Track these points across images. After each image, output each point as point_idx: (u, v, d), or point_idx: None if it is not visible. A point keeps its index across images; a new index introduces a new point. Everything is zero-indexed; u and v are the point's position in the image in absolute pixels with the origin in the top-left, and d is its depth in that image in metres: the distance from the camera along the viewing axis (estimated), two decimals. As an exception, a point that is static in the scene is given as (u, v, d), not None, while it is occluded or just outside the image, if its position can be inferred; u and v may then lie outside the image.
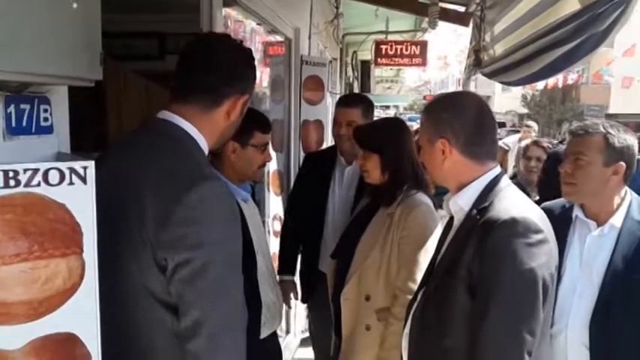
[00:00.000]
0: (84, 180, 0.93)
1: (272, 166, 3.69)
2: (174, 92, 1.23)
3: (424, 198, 1.86)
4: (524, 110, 27.96)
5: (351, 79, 9.10)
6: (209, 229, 1.05)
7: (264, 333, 1.76)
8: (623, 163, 1.60)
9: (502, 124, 27.02)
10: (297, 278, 2.68)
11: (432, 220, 1.83)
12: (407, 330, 1.42)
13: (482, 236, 1.22)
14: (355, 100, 2.51)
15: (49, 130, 1.13)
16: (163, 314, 1.09)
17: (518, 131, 9.15)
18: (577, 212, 1.70)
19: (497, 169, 1.35)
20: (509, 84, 2.75)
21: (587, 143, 1.62)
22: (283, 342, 3.68)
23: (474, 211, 1.29)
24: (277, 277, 2.29)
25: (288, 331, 3.83)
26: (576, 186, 1.64)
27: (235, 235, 1.12)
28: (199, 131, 1.20)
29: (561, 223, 1.71)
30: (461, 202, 1.34)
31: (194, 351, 1.06)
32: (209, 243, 1.05)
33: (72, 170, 0.92)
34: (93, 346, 0.97)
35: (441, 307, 1.30)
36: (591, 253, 1.63)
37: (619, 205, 1.64)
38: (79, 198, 0.93)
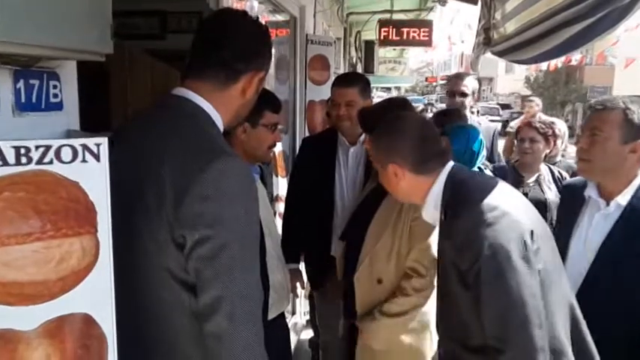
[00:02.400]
0: (97, 157, 0.90)
1: (277, 147, 3.65)
2: (190, 68, 1.20)
3: None
4: (528, 92, 27.75)
5: (354, 59, 9.00)
6: (229, 205, 1.03)
7: (271, 314, 1.75)
8: None
9: (506, 106, 26.88)
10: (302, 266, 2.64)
11: None
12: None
13: (451, 234, 1.31)
14: (352, 79, 2.43)
15: (58, 106, 1.10)
16: (181, 293, 1.08)
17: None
18: (590, 192, 1.65)
19: (448, 166, 1.42)
20: (521, 62, 2.68)
21: (605, 118, 1.56)
22: (289, 323, 3.70)
23: (443, 215, 1.38)
24: None
25: (293, 313, 3.83)
26: (591, 162, 1.58)
27: (254, 211, 1.10)
28: (215, 108, 1.18)
29: (577, 202, 1.69)
30: (431, 212, 1.43)
31: (214, 330, 1.04)
32: (228, 219, 1.02)
33: (85, 147, 0.89)
34: (108, 326, 0.95)
35: (451, 309, 1.37)
36: (594, 232, 1.60)
37: (630, 183, 1.58)
38: (93, 176, 0.90)
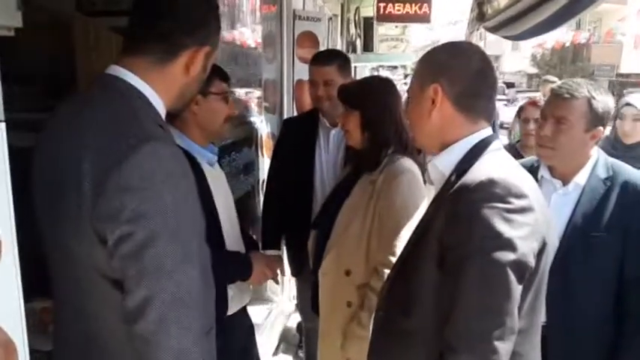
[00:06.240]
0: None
1: (264, 128, 3.54)
2: (126, 43, 1.08)
3: (410, 164, 1.71)
4: (534, 70, 27.33)
5: (353, 37, 8.79)
6: (153, 195, 0.92)
7: (232, 308, 1.65)
8: (601, 128, 1.58)
9: (511, 85, 26.52)
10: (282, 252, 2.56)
11: (417, 188, 1.69)
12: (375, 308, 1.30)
13: (455, 201, 1.04)
14: (330, 57, 2.29)
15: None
16: (112, 292, 0.98)
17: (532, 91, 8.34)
18: (543, 173, 1.68)
19: (489, 131, 1.18)
20: (512, 38, 2.57)
21: (571, 108, 1.57)
22: (277, 307, 3.64)
23: (454, 176, 1.12)
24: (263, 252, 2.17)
25: (280, 296, 3.77)
26: (555, 150, 1.61)
27: (185, 200, 0.98)
28: (152, 87, 1.07)
29: None
30: (441, 166, 1.17)
31: (141, 334, 0.94)
32: (152, 213, 0.92)
33: (-23, 133, 0.78)
34: (17, 332, 0.86)
35: (409, 284, 1.14)
36: (555, 212, 1.57)
37: (584, 164, 1.63)
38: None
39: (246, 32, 3.23)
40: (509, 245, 0.97)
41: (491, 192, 1.00)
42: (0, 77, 1.07)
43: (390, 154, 1.72)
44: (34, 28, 1.35)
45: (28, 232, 1.00)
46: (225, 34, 2.76)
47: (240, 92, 3.11)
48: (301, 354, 3.16)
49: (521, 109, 2.97)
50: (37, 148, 1.06)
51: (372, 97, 1.75)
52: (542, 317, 1.18)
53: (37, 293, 1.46)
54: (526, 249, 0.99)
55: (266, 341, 3.19)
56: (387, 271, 1.57)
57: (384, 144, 1.73)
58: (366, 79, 1.96)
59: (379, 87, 1.80)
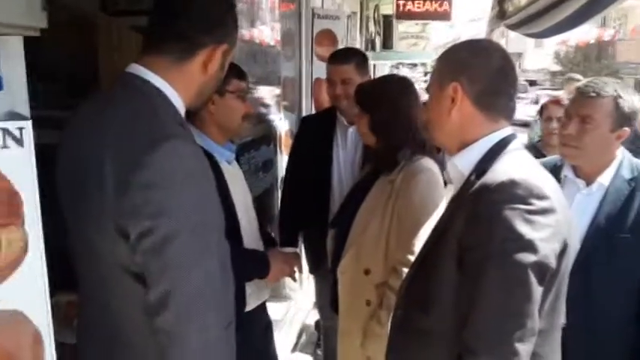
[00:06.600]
0: (20, 142, 0.82)
1: (283, 126, 3.55)
2: (145, 42, 1.11)
3: (429, 164, 1.69)
4: (557, 67, 26.84)
5: (372, 34, 8.76)
6: (173, 193, 0.94)
7: (250, 305, 1.67)
8: (627, 129, 1.55)
9: (533, 82, 26.09)
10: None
11: (436, 188, 1.67)
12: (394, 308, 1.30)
13: (475, 202, 1.03)
14: (347, 55, 2.29)
15: (-3, 86, 1.01)
16: (134, 286, 1.00)
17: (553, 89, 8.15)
18: (567, 172, 1.66)
19: (509, 130, 1.16)
20: (534, 35, 2.53)
21: (597, 107, 1.54)
22: (295, 304, 3.65)
23: (473, 176, 1.11)
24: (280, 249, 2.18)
25: (299, 293, 3.78)
26: (579, 150, 1.58)
27: (206, 197, 1.01)
28: (172, 86, 1.08)
29: None
30: (460, 165, 1.15)
31: (163, 327, 0.96)
32: (173, 209, 0.94)
33: (5, 131, 0.81)
34: (43, 324, 0.89)
35: (428, 283, 1.14)
36: (577, 212, 1.57)
37: (609, 164, 1.61)
38: (16, 162, 0.83)
39: (265, 30, 3.25)
40: (530, 247, 0.96)
41: (512, 193, 0.99)
42: (25, 78, 1.11)
43: (408, 154, 1.71)
44: (59, 28, 1.38)
45: (53, 227, 1.04)
46: (245, 32, 2.78)
47: (258, 90, 3.12)
48: (320, 352, 3.17)
49: (543, 108, 2.92)
50: (60, 146, 1.08)
51: (382, 101, 1.73)
52: (562, 318, 1.17)
53: (63, 287, 1.50)
54: (547, 250, 0.98)
55: (284, 338, 3.21)
56: (405, 270, 1.57)
57: (398, 146, 1.72)
58: (379, 80, 1.94)
59: (392, 89, 1.77)
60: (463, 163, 1.15)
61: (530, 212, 0.98)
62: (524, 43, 30.73)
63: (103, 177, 0.94)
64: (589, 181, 1.62)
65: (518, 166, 1.07)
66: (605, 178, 1.60)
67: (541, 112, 2.93)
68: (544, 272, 0.98)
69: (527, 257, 0.96)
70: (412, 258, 1.58)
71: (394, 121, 1.71)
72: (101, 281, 1.03)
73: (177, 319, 0.95)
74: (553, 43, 24.50)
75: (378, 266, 1.69)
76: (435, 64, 1.24)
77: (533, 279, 0.97)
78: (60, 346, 1.12)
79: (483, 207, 1.01)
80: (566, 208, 1.10)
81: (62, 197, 1.07)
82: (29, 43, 1.02)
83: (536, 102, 15.05)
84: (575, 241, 1.15)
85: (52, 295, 0.96)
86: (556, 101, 2.85)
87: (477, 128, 1.14)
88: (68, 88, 2.32)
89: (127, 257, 0.97)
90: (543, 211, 0.99)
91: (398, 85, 1.80)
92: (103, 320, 1.07)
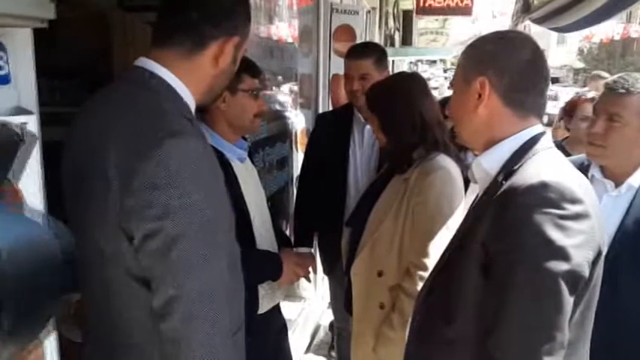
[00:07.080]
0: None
1: (299, 123, 3.51)
2: (155, 34, 1.07)
3: (445, 162, 1.63)
4: (581, 64, 26.33)
5: (392, 30, 8.66)
6: (178, 193, 0.89)
7: (263, 307, 1.63)
8: None
9: (556, 80, 25.64)
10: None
11: (452, 187, 1.60)
12: (411, 316, 1.24)
13: (503, 205, 0.96)
14: (366, 50, 2.24)
15: (3, 80, 0.98)
16: (139, 290, 0.97)
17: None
18: (594, 172, 1.59)
19: (539, 128, 1.09)
20: (560, 30, 2.44)
21: (626, 104, 1.47)
22: (309, 305, 3.61)
23: (501, 177, 1.04)
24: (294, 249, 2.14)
25: (313, 294, 3.74)
26: (606, 149, 1.52)
27: (214, 197, 0.96)
28: (182, 80, 1.05)
29: None
30: (487, 165, 1.08)
31: (168, 333, 0.92)
32: (179, 210, 0.89)
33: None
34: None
35: (450, 289, 1.07)
36: (605, 213, 1.46)
37: (639, 164, 1.54)
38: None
39: (282, 26, 3.20)
40: (562, 254, 0.90)
41: (543, 196, 0.92)
42: (34, 72, 1.08)
43: (423, 152, 1.65)
44: (76, 23, 1.36)
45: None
46: (262, 28, 2.74)
47: (275, 87, 3.08)
48: (333, 354, 3.13)
49: (570, 105, 2.83)
50: (66, 144, 1.05)
51: (389, 102, 1.67)
52: (591, 328, 1.10)
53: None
54: (580, 258, 0.91)
55: (298, 338, 3.18)
56: (419, 273, 1.51)
57: (410, 145, 1.66)
58: (388, 80, 1.88)
59: (400, 88, 1.71)
60: (489, 162, 1.08)
61: (562, 217, 0.91)
62: (547, 40, 30.21)
63: (107, 176, 0.91)
64: (618, 182, 1.55)
65: (549, 166, 1.00)
66: (635, 180, 1.53)
67: (568, 109, 2.84)
68: (576, 282, 0.92)
69: (559, 265, 0.89)
70: (426, 261, 1.55)
71: (403, 121, 1.66)
72: (105, 284, 1.00)
73: (183, 325, 0.91)
74: (576, 39, 24.00)
75: (392, 268, 1.63)
76: (460, 58, 1.17)
77: (564, 289, 0.90)
78: (70, 344, 1.10)
79: (512, 211, 0.95)
80: (600, 213, 1.03)
81: (66, 198, 1.04)
82: (43, 40, 1.00)
83: (555, 99, 14.73)
84: (605, 247, 1.09)
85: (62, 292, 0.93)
86: (585, 99, 2.73)
87: (504, 126, 1.07)
88: (85, 84, 2.32)
89: (131, 260, 0.93)
90: (576, 216, 0.92)
91: (406, 84, 1.73)
92: (108, 324, 1.04)
